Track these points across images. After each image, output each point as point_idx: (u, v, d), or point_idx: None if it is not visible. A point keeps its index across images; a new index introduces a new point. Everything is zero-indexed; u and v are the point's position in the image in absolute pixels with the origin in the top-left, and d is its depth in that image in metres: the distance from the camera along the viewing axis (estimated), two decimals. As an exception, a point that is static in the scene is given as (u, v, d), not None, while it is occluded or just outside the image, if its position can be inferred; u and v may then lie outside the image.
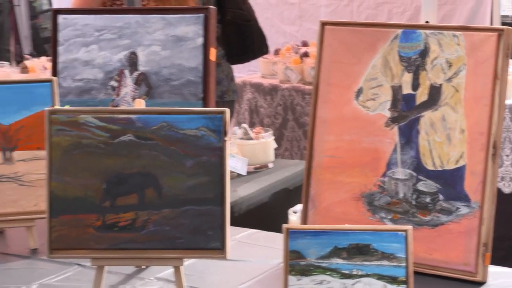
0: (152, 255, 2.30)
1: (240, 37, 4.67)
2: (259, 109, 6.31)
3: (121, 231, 2.30)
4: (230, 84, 4.73)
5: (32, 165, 2.68)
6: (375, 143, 2.42)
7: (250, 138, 3.93)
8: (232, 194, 2.34)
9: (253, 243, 2.69)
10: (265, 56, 6.01)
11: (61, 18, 3.06)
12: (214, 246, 2.27)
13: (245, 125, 4.06)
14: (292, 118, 6.10)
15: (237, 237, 2.68)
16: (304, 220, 2.49)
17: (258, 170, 3.86)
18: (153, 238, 2.29)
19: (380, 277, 1.97)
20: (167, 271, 2.39)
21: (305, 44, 6.77)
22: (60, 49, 3.05)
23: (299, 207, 2.68)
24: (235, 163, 3.56)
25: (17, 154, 2.70)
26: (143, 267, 2.45)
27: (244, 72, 6.66)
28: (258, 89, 6.34)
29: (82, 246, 2.31)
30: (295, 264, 2.00)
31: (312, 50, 6.36)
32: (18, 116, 2.70)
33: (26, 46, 9.17)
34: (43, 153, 2.37)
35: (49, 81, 2.73)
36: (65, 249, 2.32)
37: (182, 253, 2.29)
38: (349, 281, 1.98)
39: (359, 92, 2.45)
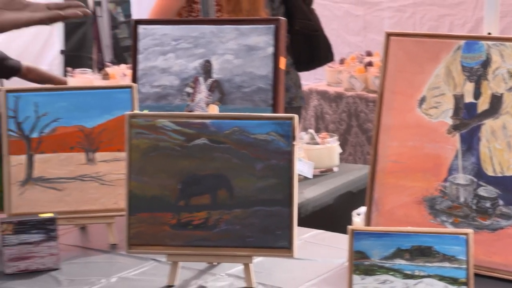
0: (223, 252, 2.30)
1: (308, 46, 4.65)
2: (324, 116, 6.30)
3: (194, 229, 2.30)
4: (297, 91, 4.71)
5: (113, 165, 2.69)
6: (437, 150, 2.39)
7: (316, 143, 3.92)
8: (299, 196, 2.32)
9: (318, 243, 2.67)
10: (330, 65, 6.00)
11: (141, 28, 3.08)
12: (282, 245, 2.26)
13: (311, 131, 4.05)
14: (356, 125, 6.07)
15: (303, 237, 2.66)
16: (368, 222, 2.47)
17: (323, 173, 3.84)
18: (224, 236, 2.29)
19: (441, 278, 1.95)
20: (237, 268, 2.38)
21: (369, 54, 6.74)
22: (140, 57, 3.07)
23: (362, 209, 2.65)
24: (302, 166, 3.54)
25: (99, 155, 2.71)
26: (214, 263, 2.44)
27: (311, 80, 6.65)
28: (324, 97, 6.33)
29: (158, 242, 2.32)
30: (359, 264, 1.99)
31: (376, 59, 6.33)
32: (101, 119, 2.71)
33: (107, 54, 9.26)
34: (123, 155, 2.39)
35: (129, 87, 2.75)
36: (142, 245, 2.33)
37: (251, 251, 2.28)
38: (411, 281, 1.96)
39: (422, 100, 2.42)
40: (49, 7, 2.16)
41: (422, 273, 1.96)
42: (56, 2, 2.19)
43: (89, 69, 7.04)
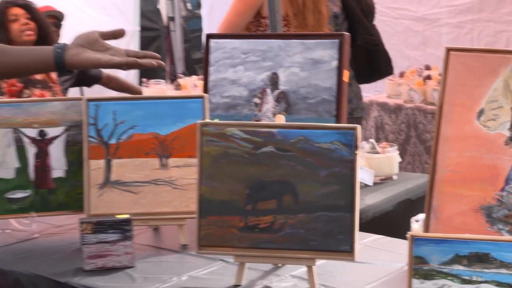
0: (288, 254, 2.29)
1: (369, 60, 4.63)
2: (384, 126, 6.27)
3: (261, 232, 2.30)
4: (358, 103, 4.69)
5: (185, 171, 2.71)
6: (495, 160, 2.35)
7: (377, 152, 3.89)
8: (360, 202, 2.31)
9: (378, 247, 2.65)
10: (390, 78, 5.96)
11: (212, 42, 3.09)
12: (344, 249, 2.25)
13: (372, 140, 4.02)
14: (414, 135, 6.03)
15: (363, 241, 2.64)
16: (426, 228, 2.44)
17: (383, 181, 3.81)
18: (289, 239, 2.28)
19: (498, 284, 1.91)
20: (301, 270, 2.37)
21: (428, 67, 6.68)
22: (211, 69, 3.08)
23: (421, 216, 2.62)
24: (363, 174, 3.52)
25: (172, 161, 2.73)
26: (279, 265, 2.44)
27: (371, 92, 6.61)
28: (384, 108, 6.30)
29: (226, 244, 2.32)
30: (419, 268, 1.96)
31: (434, 73, 6.28)
32: (174, 127, 2.73)
33: (180, 66, 9.33)
34: (195, 161, 2.40)
35: (201, 97, 2.76)
36: (212, 246, 2.34)
37: (314, 254, 2.28)
38: (468, 287, 1.93)
39: (481, 112, 2.38)
40: (128, 54, 2.21)
41: (479, 279, 1.93)
42: (135, 50, 2.25)
43: (162, 80, 7.09)
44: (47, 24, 4.78)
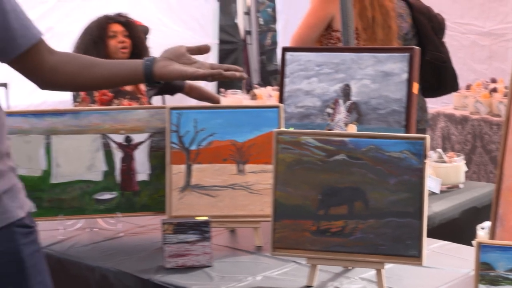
0: (358, 258, 2.28)
1: (436, 76, 4.56)
2: (450, 136, 6.19)
3: (332, 236, 2.29)
4: (423, 115, 4.63)
5: (260, 176, 2.71)
6: (560, 171, 2.30)
7: (444, 161, 3.85)
8: (427, 209, 2.28)
9: (444, 253, 2.61)
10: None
11: (288, 55, 3.10)
12: (412, 253, 2.22)
13: (439, 150, 3.97)
14: (480, 145, 5.94)
15: (431, 247, 2.61)
16: (492, 236, 2.39)
17: (450, 189, 3.76)
18: (359, 243, 2.27)
19: None
20: (370, 273, 2.35)
21: (493, 81, 6.57)
22: (286, 80, 3.08)
23: (486, 224, 2.58)
24: (430, 182, 3.48)
25: (248, 167, 2.73)
26: (349, 267, 2.42)
27: (438, 104, 6.54)
28: (451, 119, 6.23)
29: (299, 246, 2.32)
30: (485, 274, 1.93)
31: (500, 86, 6.18)
32: (250, 135, 2.74)
33: (255, 77, 9.36)
34: (270, 167, 2.40)
35: (277, 107, 2.76)
36: (285, 248, 2.34)
37: (383, 258, 2.26)
38: (534, 293, 1.89)
39: (547, 125, 2.34)
40: (213, 67, 2.23)
41: (545, 286, 1.89)
42: (220, 64, 2.27)
43: (239, 90, 7.12)
44: (143, 42, 4.79)
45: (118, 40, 4.59)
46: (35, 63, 2.14)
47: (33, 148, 2.79)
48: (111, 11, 4.85)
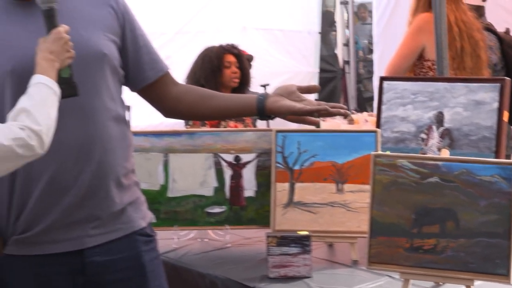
0: (449, 274, 2.25)
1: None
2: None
3: (424, 253, 2.27)
4: (509, 142, 4.53)
5: (358, 195, 2.71)
6: None
7: (532, 186, 3.75)
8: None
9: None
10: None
11: (385, 83, 3.09)
12: (501, 272, 2.18)
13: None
14: None
15: (517, 266, 2.55)
16: None
17: (537, 212, 3.66)
18: (450, 261, 2.24)
19: None
20: (460, 289, 2.32)
21: None
22: (383, 107, 3.08)
23: None
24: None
25: (347, 186, 2.74)
26: (440, 283, 2.39)
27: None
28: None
29: (393, 262, 2.31)
30: None
31: None
32: (349, 157, 2.74)
33: (352, 103, 9.33)
34: (367, 187, 2.40)
35: (374, 132, 2.76)
36: (380, 263, 2.33)
37: (473, 276, 2.22)
38: None
39: None
40: (319, 103, 2.25)
41: None
42: (326, 102, 2.28)
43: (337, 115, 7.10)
44: (249, 73, 4.87)
45: (232, 70, 4.68)
46: (160, 93, 2.21)
47: (153, 164, 2.86)
48: (223, 42, 4.94)
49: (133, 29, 2.13)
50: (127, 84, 2.16)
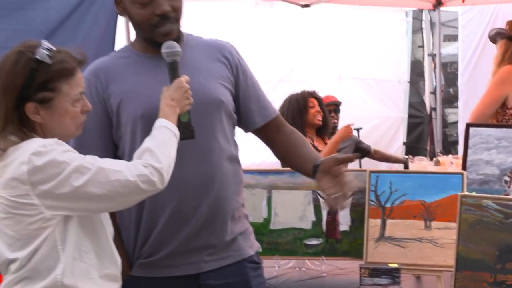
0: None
1: None
2: None
3: None
4: None
5: (445, 232, 2.68)
6: None
7: None
8: None
9: None
10: None
11: (471, 129, 3.06)
12: None
13: None
14: None
15: None
16: None
17: None
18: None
19: None
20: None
21: None
22: (469, 151, 3.04)
23: None
24: None
25: (434, 224, 2.71)
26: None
27: None
28: None
29: (478, 295, 2.27)
30: None
31: None
32: (437, 197, 2.72)
33: (438, 146, 9.18)
34: (454, 225, 2.39)
35: (460, 173, 2.74)
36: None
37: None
38: None
39: None
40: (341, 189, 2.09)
41: None
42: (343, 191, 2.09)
43: (424, 157, 7.01)
44: (328, 115, 4.90)
45: (316, 109, 4.73)
46: (268, 136, 2.24)
47: (258, 199, 2.91)
48: (321, 89, 5.00)
49: (245, 78, 2.18)
50: (239, 126, 2.20)
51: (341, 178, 2.05)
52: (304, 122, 4.68)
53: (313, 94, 4.85)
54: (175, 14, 2.03)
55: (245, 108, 2.18)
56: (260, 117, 2.20)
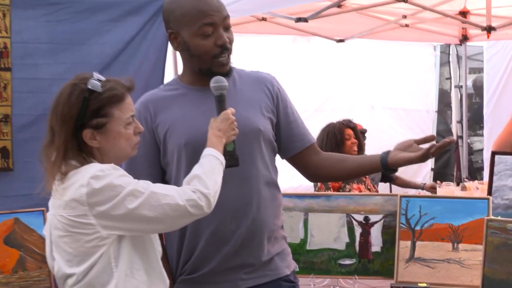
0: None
1: None
2: None
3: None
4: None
5: (471, 254, 2.66)
6: None
7: None
8: None
9: None
10: None
11: (497, 157, 3.03)
12: None
13: None
14: None
15: None
16: None
17: None
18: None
19: None
20: None
21: None
22: (495, 177, 3.01)
23: None
24: None
25: (461, 246, 2.70)
26: (547, 335, 2.29)
27: None
28: None
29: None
30: None
31: None
32: (464, 220, 2.71)
33: (464, 172, 9.09)
34: (480, 247, 2.38)
35: (486, 199, 2.72)
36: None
37: None
38: None
39: None
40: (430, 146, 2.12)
41: None
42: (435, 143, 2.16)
43: (451, 183, 6.93)
44: (364, 143, 4.88)
45: (352, 141, 4.70)
46: (305, 161, 2.24)
47: (295, 221, 2.92)
48: (354, 118, 4.98)
49: (285, 107, 2.19)
50: (278, 152, 2.21)
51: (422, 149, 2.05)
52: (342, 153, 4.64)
53: (348, 124, 4.82)
54: (230, 46, 2.07)
55: (286, 134, 2.19)
56: (300, 142, 2.21)
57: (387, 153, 2.21)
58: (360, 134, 4.91)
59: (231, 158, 1.96)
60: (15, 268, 2.76)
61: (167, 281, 1.88)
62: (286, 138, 2.19)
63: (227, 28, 2.06)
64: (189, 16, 2.02)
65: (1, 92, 3.29)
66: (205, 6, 2.01)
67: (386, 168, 2.18)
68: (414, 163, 2.16)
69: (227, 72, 2.07)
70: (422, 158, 2.12)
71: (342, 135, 4.71)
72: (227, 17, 2.06)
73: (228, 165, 1.93)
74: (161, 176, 2.12)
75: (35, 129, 3.28)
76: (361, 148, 4.84)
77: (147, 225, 1.77)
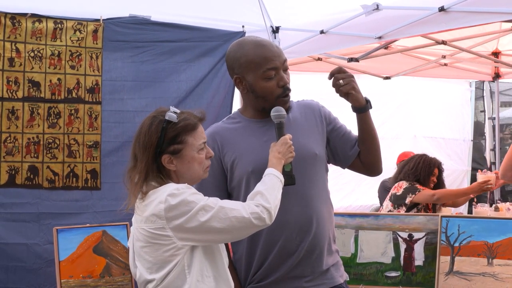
0: None
1: None
2: None
3: None
4: None
5: (505, 268, 2.60)
6: None
7: None
8: None
9: None
10: None
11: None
12: None
13: None
14: None
15: None
16: None
17: None
18: None
19: None
20: None
21: None
22: (527, 201, 2.91)
23: None
24: None
25: (496, 261, 2.65)
26: None
27: None
28: None
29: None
30: None
31: None
32: (498, 238, 2.67)
33: (497, 195, 8.83)
34: (514, 263, 2.28)
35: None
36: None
37: None
38: None
39: None
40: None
41: None
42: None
43: (485, 204, 6.74)
44: (443, 180, 4.62)
45: (433, 179, 4.43)
46: (358, 160, 2.18)
47: (347, 237, 2.89)
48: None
49: (335, 125, 2.18)
50: (337, 164, 2.17)
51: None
52: (424, 183, 4.42)
53: (439, 166, 4.57)
54: (289, 85, 2.09)
55: (341, 147, 2.17)
56: (354, 149, 2.17)
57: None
58: (442, 174, 4.64)
59: (289, 177, 1.97)
60: (102, 274, 2.81)
61: (233, 287, 1.87)
62: (343, 149, 2.17)
63: (285, 70, 2.08)
64: (254, 63, 2.04)
65: (92, 122, 3.38)
66: (268, 53, 2.04)
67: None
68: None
69: (288, 108, 2.09)
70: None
71: (433, 169, 4.44)
72: (285, 60, 2.08)
73: (286, 184, 1.94)
74: (227, 199, 2.12)
75: (120, 154, 3.37)
76: (439, 185, 4.57)
77: (216, 236, 1.78)
